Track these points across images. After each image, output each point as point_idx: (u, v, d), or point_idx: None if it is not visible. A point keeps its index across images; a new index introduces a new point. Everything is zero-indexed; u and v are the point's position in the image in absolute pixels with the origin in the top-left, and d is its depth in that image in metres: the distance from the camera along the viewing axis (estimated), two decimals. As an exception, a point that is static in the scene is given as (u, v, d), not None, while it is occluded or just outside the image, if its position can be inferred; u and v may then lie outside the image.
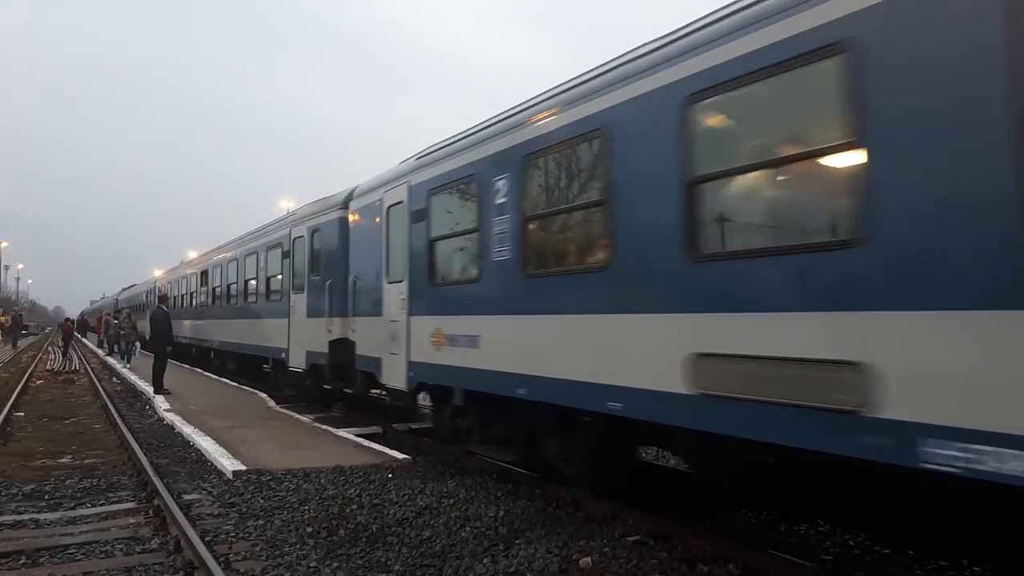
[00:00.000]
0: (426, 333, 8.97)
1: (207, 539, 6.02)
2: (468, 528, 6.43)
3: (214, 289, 22.23)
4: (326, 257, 12.93)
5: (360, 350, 11.24)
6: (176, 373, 20.53)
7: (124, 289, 55.19)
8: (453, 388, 8.59)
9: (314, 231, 13.59)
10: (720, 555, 5.60)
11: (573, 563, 5.52)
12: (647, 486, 7.75)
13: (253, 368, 19.21)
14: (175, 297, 28.53)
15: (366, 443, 10.33)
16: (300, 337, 13.91)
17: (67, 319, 52.41)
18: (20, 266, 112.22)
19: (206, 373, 22.63)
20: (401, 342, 9.61)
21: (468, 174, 8.28)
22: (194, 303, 25.61)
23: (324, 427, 11.80)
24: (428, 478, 8.31)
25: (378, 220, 10.64)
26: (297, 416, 13.08)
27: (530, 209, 7.24)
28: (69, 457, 10.14)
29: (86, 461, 9.81)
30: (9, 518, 6.93)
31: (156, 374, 16.74)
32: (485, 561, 5.60)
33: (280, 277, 15.63)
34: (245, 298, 18.54)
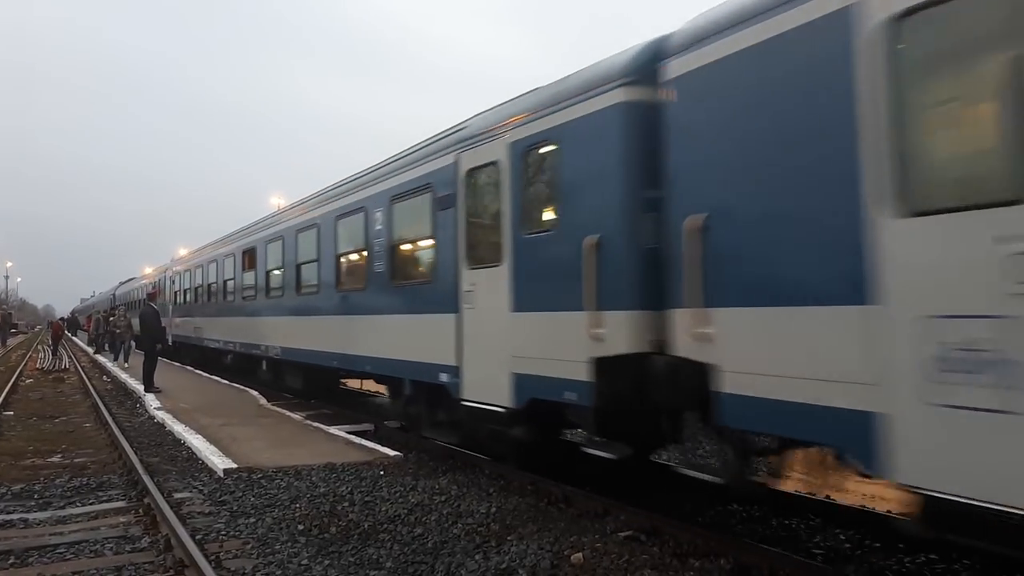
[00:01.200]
0: None
1: (198, 537, 6.00)
2: (460, 524, 6.43)
3: (268, 273, 16.18)
4: (574, 191, 6.92)
5: (736, 385, 5.15)
6: (167, 371, 20.43)
7: (122, 283, 54.28)
8: None
9: (526, 150, 7.47)
10: (711, 550, 5.62)
11: (565, 559, 5.52)
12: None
13: (331, 383, 15.30)
14: (197, 288, 23.61)
15: (358, 440, 10.31)
16: (492, 347, 7.91)
17: (59, 318, 52.26)
18: (9, 264, 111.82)
19: (197, 371, 22.54)
20: None
21: None
22: (229, 297, 19.45)
23: (316, 424, 11.78)
24: (420, 475, 8.31)
25: (829, 63, 4.49)
26: (288, 414, 13.06)
27: None
28: (59, 456, 10.09)
29: (76, 460, 9.76)
30: (-2, 518, 6.90)
31: (146, 372, 16.67)
32: (477, 557, 5.60)
33: (429, 243, 9.51)
34: (337, 283, 12.40)
